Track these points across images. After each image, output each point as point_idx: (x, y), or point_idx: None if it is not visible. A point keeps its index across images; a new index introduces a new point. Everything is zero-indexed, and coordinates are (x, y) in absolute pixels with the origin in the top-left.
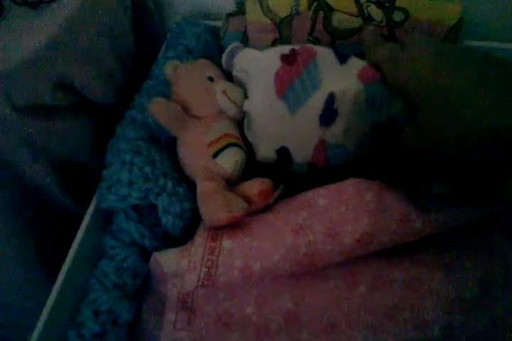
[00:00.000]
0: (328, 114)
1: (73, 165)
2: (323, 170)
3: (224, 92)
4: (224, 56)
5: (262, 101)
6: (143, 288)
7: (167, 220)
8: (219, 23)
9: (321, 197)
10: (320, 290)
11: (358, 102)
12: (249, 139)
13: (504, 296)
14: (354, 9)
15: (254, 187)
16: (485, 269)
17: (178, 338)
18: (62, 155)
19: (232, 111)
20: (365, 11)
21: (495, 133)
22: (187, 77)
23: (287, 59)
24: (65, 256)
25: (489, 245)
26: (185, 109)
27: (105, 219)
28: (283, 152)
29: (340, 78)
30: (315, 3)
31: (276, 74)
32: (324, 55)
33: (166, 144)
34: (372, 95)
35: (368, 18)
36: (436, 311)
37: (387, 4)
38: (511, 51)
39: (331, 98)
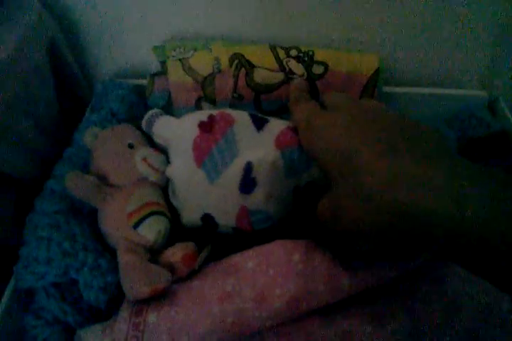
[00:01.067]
0: (247, 183)
1: None
2: (249, 234)
3: (145, 160)
4: (143, 123)
5: (182, 168)
6: None
7: (90, 295)
8: (144, 82)
9: (249, 260)
10: None
11: (276, 169)
12: (174, 204)
13: None
14: (275, 65)
15: (177, 252)
16: (415, 319)
17: None
18: None
19: (154, 177)
20: (286, 66)
21: (398, 209)
22: (106, 145)
23: (205, 126)
24: None
25: (416, 294)
26: (105, 178)
27: (25, 297)
28: (207, 218)
29: (258, 145)
30: (236, 61)
31: (195, 141)
32: (242, 122)
33: (88, 213)
34: (289, 161)
35: (289, 72)
36: None
37: (306, 58)
38: (428, 96)
39: (248, 167)
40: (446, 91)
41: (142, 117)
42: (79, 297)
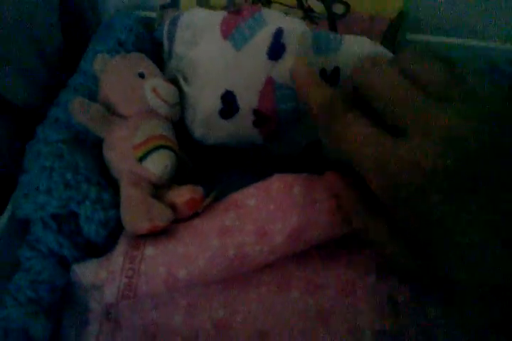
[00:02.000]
0: (276, 48)
1: None
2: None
3: (154, 90)
4: (166, 25)
5: (207, 45)
6: (62, 302)
7: (90, 229)
8: (153, 14)
9: (249, 196)
10: (252, 296)
11: (305, 40)
12: (190, 95)
13: (434, 299)
14: (293, 2)
15: (184, 195)
16: None
17: None
18: None
19: (163, 109)
20: (305, 2)
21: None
22: (116, 73)
23: (233, 11)
24: None
25: None
26: (112, 107)
27: (21, 228)
28: (228, 97)
29: (287, 21)
30: None
31: (223, 19)
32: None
33: (92, 145)
34: (317, 37)
35: (308, 10)
36: (368, 315)
37: None
38: (455, 45)
39: (278, 32)
40: (471, 42)
41: (149, 50)
42: (76, 231)
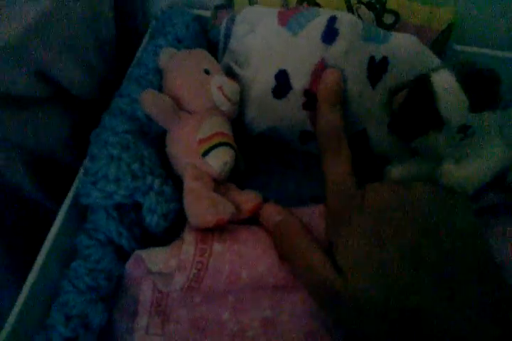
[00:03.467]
0: (330, 32)
1: (48, 160)
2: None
3: (220, 88)
4: (224, 22)
5: (264, 31)
6: (116, 290)
7: (151, 220)
8: (205, 13)
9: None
10: (296, 299)
11: (357, 26)
12: (245, 76)
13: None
14: (343, 9)
15: (249, 201)
16: None
17: None
18: (37, 150)
19: (225, 106)
20: (355, 12)
21: None
22: (182, 68)
23: (287, 9)
24: (36, 255)
25: None
26: (177, 101)
27: (80, 216)
28: (281, 76)
29: (339, 12)
30: (304, 2)
31: (279, 12)
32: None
33: (154, 138)
34: (368, 28)
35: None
36: None
37: (377, 6)
38: (500, 58)
39: (332, 19)
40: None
41: (205, 49)
42: (135, 221)
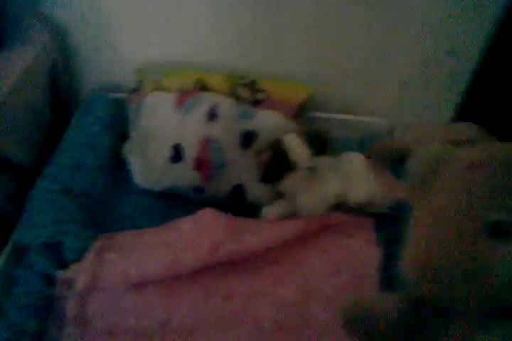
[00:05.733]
0: (212, 114)
1: None
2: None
3: None
4: (135, 105)
5: (164, 114)
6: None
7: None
8: (122, 95)
9: (183, 223)
10: (186, 300)
11: (232, 110)
12: (149, 151)
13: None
14: (227, 90)
15: None
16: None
17: None
18: None
19: None
20: (237, 91)
21: None
22: None
23: (184, 92)
24: None
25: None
26: None
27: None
28: (177, 148)
29: (222, 97)
30: (197, 86)
31: (176, 97)
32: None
33: (75, 195)
34: (242, 109)
35: (238, 97)
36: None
37: (253, 86)
38: (343, 121)
39: (215, 105)
40: (357, 118)
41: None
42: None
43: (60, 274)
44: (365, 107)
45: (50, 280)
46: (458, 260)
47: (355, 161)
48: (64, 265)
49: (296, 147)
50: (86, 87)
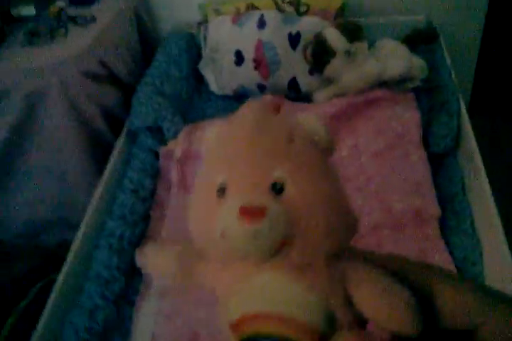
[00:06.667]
0: (261, 22)
1: None
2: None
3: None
4: (202, 29)
5: (224, 29)
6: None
7: None
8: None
9: None
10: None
11: (277, 18)
12: (217, 58)
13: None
14: (272, 6)
15: None
16: None
17: None
18: None
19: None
20: (281, 6)
21: None
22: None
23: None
24: None
25: None
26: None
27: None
28: (238, 53)
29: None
30: (249, 8)
31: (232, 17)
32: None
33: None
34: (287, 16)
35: (283, 11)
36: None
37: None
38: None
39: (262, 15)
40: (394, 17)
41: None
42: None
43: (163, 148)
44: (401, 6)
45: (156, 156)
46: None
47: (389, 43)
48: (165, 144)
49: (333, 35)
50: (164, 26)
